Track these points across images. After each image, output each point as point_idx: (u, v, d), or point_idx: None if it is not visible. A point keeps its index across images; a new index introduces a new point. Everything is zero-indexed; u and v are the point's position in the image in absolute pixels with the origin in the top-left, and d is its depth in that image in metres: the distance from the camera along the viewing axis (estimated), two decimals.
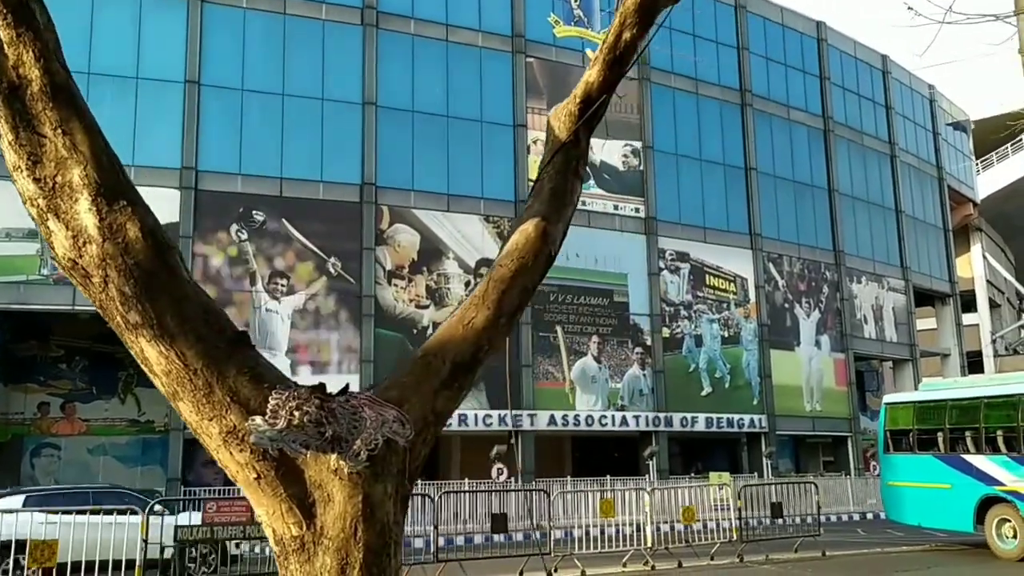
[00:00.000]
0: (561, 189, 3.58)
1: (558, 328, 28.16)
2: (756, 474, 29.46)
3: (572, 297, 28.55)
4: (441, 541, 13.46)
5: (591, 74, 3.40)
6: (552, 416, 27.37)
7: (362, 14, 26.70)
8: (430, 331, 26.05)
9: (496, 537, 14.97)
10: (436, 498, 14.36)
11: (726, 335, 31.63)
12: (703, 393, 30.61)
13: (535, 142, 28.73)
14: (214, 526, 11.64)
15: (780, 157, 34.43)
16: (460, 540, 17.77)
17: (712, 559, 15.11)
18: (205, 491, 23.48)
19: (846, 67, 38.33)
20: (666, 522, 17.21)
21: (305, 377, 24.26)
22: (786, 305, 33.88)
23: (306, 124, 25.49)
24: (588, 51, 29.82)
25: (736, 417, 30.99)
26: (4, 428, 25.34)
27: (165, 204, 23.79)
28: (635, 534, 15.01)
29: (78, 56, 23.49)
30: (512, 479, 24.47)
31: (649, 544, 14.61)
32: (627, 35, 3.28)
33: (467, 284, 26.89)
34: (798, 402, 33.51)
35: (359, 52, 26.45)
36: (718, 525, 15.86)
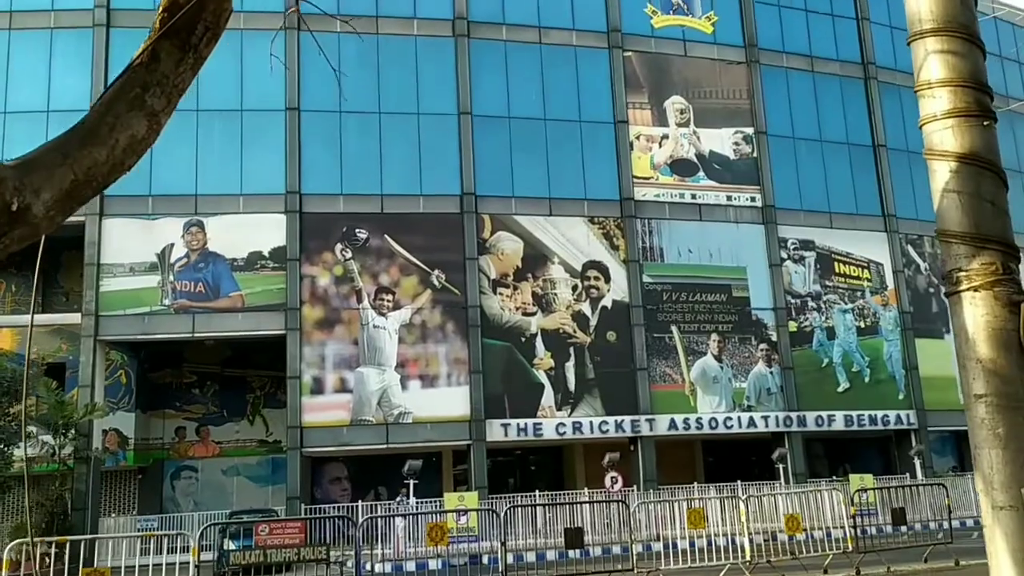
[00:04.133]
0: (93, 126, 3.01)
1: (674, 328, 27.05)
2: (908, 475, 27.25)
3: (687, 295, 27.37)
4: (510, 558, 12.91)
5: None
6: (672, 420, 26.27)
7: (453, 26, 26.69)
8: (539, 339, 25.63)
9: (571, 553, 14.25)
10: (503, 512, 13.77)
11: (862, 326, 29.47)
12: (840, 389, 28.59)
13: (638, 137, 27.82)
14: (267, 549, 11.58)
15: (913, 131, 31.75)
16: (531, 556, 17.11)
17: (826, 572, 13.82)
18: (331, 507, 23.97)
19: (986, 29, 35.12)
20: (766, 532, 15.94)
21: (415, 391, 24.41)
22: (931, 289, 31.23)
23: (403, 140, 25.68)
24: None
25: (880, 414, 28.77)
26: (145, 453, 26.77)
27: (273, 229, 24.57)
28: (730, 547, 13.93)
29: (188, 95, 24.54)
30: (629, 488, 23.57)
31: (747, 557, 13.50)
32: None
33: (574, 288, 26.27)
34: (952, 394, 30.72)
35: (452, 64, 26.44)
36: (828, 534, 14.50)
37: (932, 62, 4.49)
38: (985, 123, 4.31)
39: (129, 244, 24.19)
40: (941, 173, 4.37)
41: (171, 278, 24.13)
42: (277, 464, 27.08)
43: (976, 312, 4.13)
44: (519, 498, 22.12)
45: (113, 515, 25.36)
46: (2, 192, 2.95)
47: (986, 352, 4.07)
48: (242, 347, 26.94)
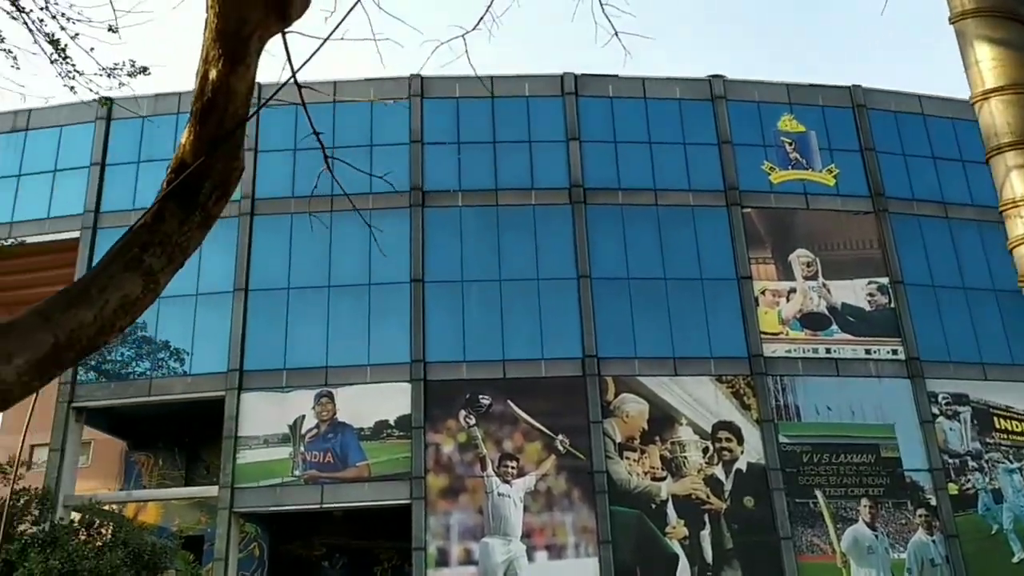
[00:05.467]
0: (83, 288, 2.93)
1: (818, 492, 25.21)
2: None
3: (830, 456, 25.64)
4: None
5: (184, 134, 2.87)
6: None
7: (570, 193, 27.45)
8: (670, 505, 24.43)
9: None
10: None
11: None
12: (1015, 559, 25.55)
13: (763, 292, 27.16)
14: None
15: None
16: None
17: None
18: None
19: None
20: None
21: (542, 563, 23.50)
22: None
23: (524, 305, 26.03)
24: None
25: None
26: None
27: (399, 396, 24.98)
28: None
29: (320, 272, 26.09)
30: None
31: None
32: (213, 73, 2.74)
33: (704, 451, 25.10)
34: None
35: (570, 229, 26.99)
36: None
37: (1015, 178, 4.06)
38: None
39: (264, 417, 25.08)
40: None
41: (302, 449, 24.69)
42: None
43: None
44: None
45: None
46: None
47: None
48: (370, 518, 26.89)
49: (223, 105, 3.23)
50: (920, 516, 25.46)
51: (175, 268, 3.50)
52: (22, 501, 20.79)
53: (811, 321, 27.24)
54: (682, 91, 29.38)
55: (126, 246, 3.38)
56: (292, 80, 3.69)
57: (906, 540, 25.15)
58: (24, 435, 20.49)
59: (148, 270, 3.34)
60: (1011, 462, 26.77)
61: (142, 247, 3.36)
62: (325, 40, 3.51)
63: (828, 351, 26.81)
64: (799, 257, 27.92)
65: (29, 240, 24.29)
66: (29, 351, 3.06)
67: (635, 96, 28.98)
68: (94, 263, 23.98)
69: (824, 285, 27.62)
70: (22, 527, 20.46)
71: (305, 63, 3.51)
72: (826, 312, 27.37)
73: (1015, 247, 3.90)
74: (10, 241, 22.08)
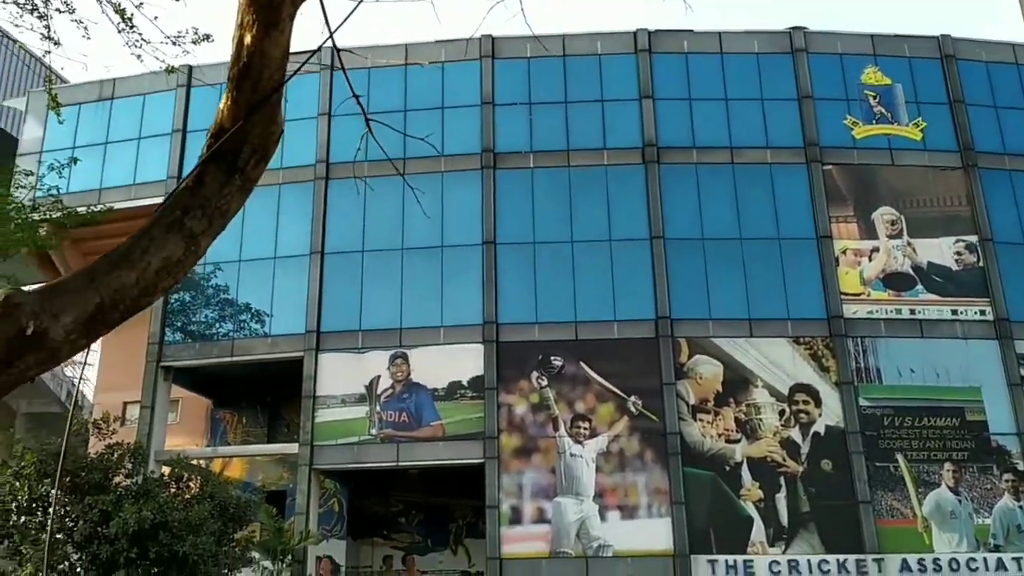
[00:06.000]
0: (127, 250, 2.97)
1: (899, 456, 24.59)
2: None
3: (913, 419, 24.93)
4: None
5: (223, 100, 2.88)
6: (904, 560, 23.53)
7: (643, 153, 27.02)
8: (744, 467, 24.19)
9: None
10: None
11: None
12: None
13: (844, 252, 26.39)
14: None
15: None
16: None
17: None
18: None
19: None
20: None
21: (614, 523, 23.63)
22: None
23: (596, 267, 25.88)
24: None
25: None
26: None
27: (472, 358, 25.23)
28: None
29: (394, 235, 26.40)
30: None
31: None
32: (248, 39, 2.74)
33: (781, 413, 24.71)
34: None
35: (642, 189, 26.61)
36: None
37: None
38: None
39: (341, 377, 25.67)
40: None
41: (377, 408, 25.22)
42: None
43: None
44: None
45: None
46: (17, 317, 3.11)
47: None
48: (445, 476, 27.39)
49: (258, 70, 3.26)
50: (1006, 481, 24.63)
51: (215, 231, 3.58)
52: (116, 455, 21.74)
53: (895, 281, 26.38)
54: (760, 45, 28.50)
55: (168, 209, 3.46)
56: (329, 43, 3.69)
57: (991, 505, 24.39)
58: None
59: (189, 233, 3.42)
60: None
61: (183, 210, 3.44)
62: (361, 1, 3.50)
63: (912, 312, 25.97)
64: (883, 215, 26.99)
65: (117, 206, 25.14)
66: (76, 310, 3.18)
67: (711, 51, 28.23)
68: None
69: (909, 244, 26.67)
70: (116, 479, 21.42)
71: (340, 25, 3.52)
72: (911, 272, 26.46)
73: None
74: (99, 207, 22.88)
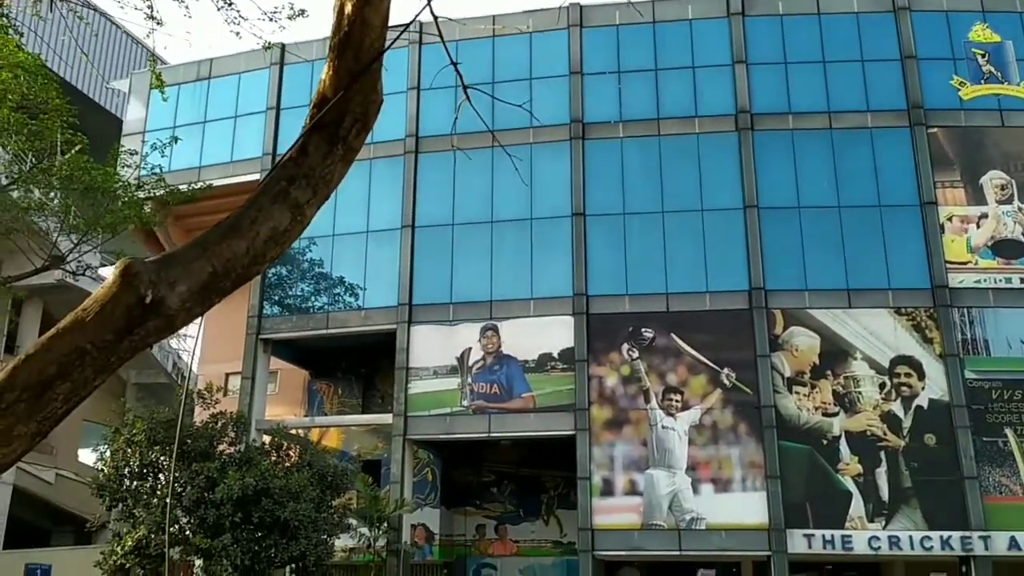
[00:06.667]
0: (236, 220, 2.97)
1: (1008, 431, 23.54)
2: None
3: (1023, 393, 23.82)
4: None
5: (324, 69, 2.86)
6: (1013, 538, 22.59)
7: (736, 120, 26.33)
8: (842, 441, 23.59)
9: None
10: None
11: None
12: None
13: (950, 219, 25.25)
14: None
15: None
16: None
17: None
18: None
19: None
20: None
21: (707, 496, 23.40)
22: None
23: (687, 237, 25.45)
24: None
25: None
26: (449, 548, 27.97)
27: (562, 330, 25.22)
28: None
29: (483, 208, 26.50)
30: None
31: None
32: (348, 7, 2.71)
33: (881, 386, 23.94)
34: None
35: (736, 158, 25.97)
36: None
37: None
38: None
39: (433, 349, 26.01)
40: None
41: (469, 380, 25.48)
42: (571, 566, 26.92)
43: None
44: None
45: None
46: (136, 286, 3.20)
47: None
48: (536, 447, 27.57)
49: (359, 38, 3.26)
50: None
51: (320, 200, 3.62)
52: (220, 424, 22.61)
53: (1005, 248, 25.13)
54: (860, 4, 27.30)
55: (273, 180, 3.52)
56: (430, 13, 3.67)
57: None
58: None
59: (295, 203, 3.47)
60: None
61: (288, 180, 3.49)
62: None
63: (1023, 281, 24.73)
64: (992, 179, 25.69)
65: (215, 183, 25.93)
66: (191, 279, 3.28)
67: (808, 12, 27.19)
68: None
69: (1020, 209, 25.34)
70: (220, 447, 22.29)
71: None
72: (1021, 238, 25.17)
73: None
74: (199, 184, 23.66)
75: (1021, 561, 23.06)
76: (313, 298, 27.98)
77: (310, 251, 27.89)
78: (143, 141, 26.06)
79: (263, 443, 24.29)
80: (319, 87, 3.44)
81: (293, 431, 26.93)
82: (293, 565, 21.81)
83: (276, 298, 28.26)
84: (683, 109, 26.70)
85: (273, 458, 22.74)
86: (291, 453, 23.66)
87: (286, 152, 3.57)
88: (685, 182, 25.98)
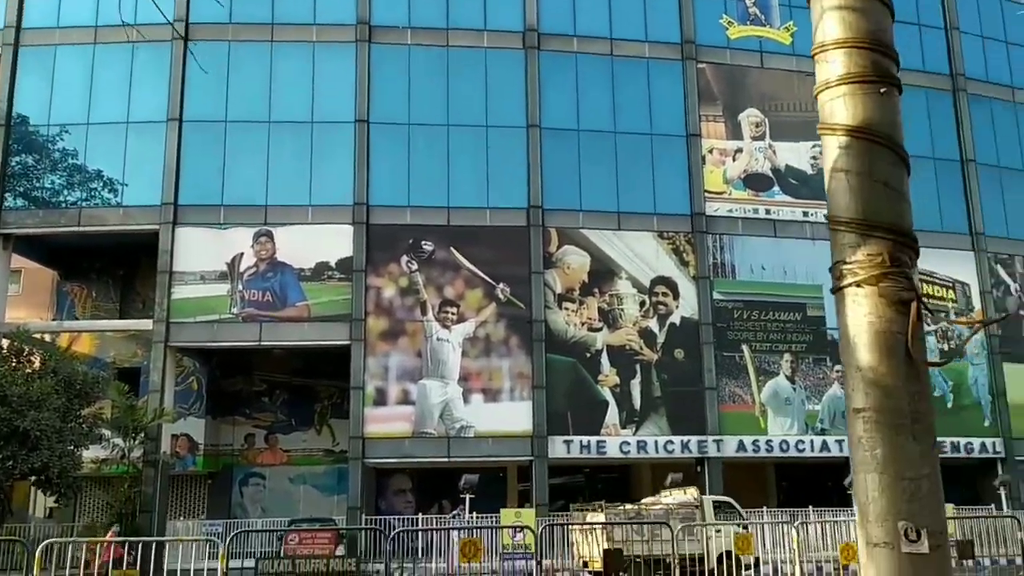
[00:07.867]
0: None
1: (745, 347, 26.22)
2: (993, 506, 25.77)
3: (759, 313, 26.53)
4: None
5: None
6: (741, 442, 25.45)
7: (523, 38, 26.54)
8: (604, 355, 25.17)
9: None
10: (539, 530, 13.38)
11: (945, 348, 28.07)
12: None
13: (711, 151, 27.17)
14: (296, 559, 11.46)
15: (1004, 145, 30.37)
16: None
17: None
18: (396, 519, 23.76)
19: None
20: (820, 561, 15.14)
21: (477, 405, 24.24)
22: (1022, 311, 29.64)
23: (471, 152, 25.61)
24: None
25: (963, 441, 27.32)
26: (215, 459, 27.18)
27: (340, 239, 24.73)
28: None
29: (260, 106, 25.10)
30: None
31: None
32: None
33: (641, 304, 25.72)
34: None
35: (521, 75, 26.26)
36: None
37: (828, 21, 3.65)
38: (882, 90, 3.50)
39: (200, 253, 24.65)
40: (831, 149, 3.55)
41: (240, 287, 24.48)
42: (343, 474, 27.10)
43: (858, 311, 3.33)
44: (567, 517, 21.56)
45: (181, 519, 25.78)
46: None
47: (867, 359, 3.26)
48: (310, 357, 27.16)
49: None
50: (837, 372, 26.69)
51: None
52: None
53: (754, 181, 27.48)
54: None
55: None
56: None
57: (821, 393, 26.58)
58: None
59: None
60: (928, 325, 28.00)
61: None
62: None
63: (768, 212, 27.24)
64: (749, 117, 27.82)
65: None
66: None
67: None
68: None
69: (771, 146, 27.72)
70: None
71: None
72: (769, 173, 27.61)
73: (819, 92, 3.58)
74: None
75: (744, 461, 26.08)
76: (65, 192, 25.41)
77: (61, 139, 25.19)
78: None
79: (1, 347, 22.16)
80: None
81: (38, 335, 24.66)
82: (35, 477, 20.39)
83: (21, 190, 25.42)
84: (472, 21, 26.49)
85: (12, 364, 20.89)
86: (34, 359, 21.82)
87: None
88: (471, 96, 25.97)
